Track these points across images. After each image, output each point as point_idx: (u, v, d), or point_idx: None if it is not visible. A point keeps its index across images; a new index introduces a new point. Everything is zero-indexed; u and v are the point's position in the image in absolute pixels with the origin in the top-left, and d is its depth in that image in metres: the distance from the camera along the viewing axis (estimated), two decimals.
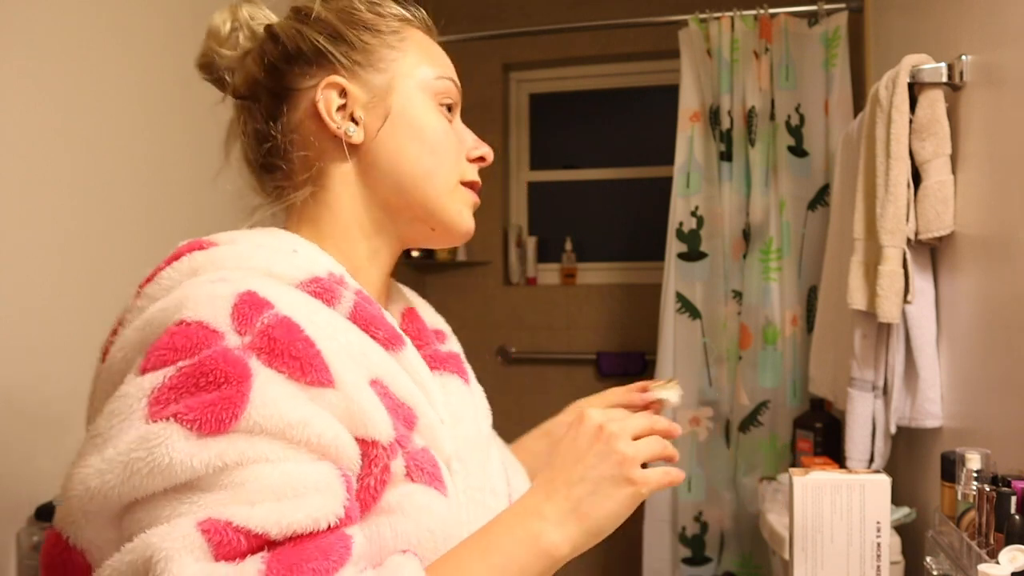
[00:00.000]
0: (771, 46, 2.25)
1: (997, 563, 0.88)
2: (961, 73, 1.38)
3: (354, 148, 0.79)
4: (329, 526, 0.59)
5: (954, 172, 1.41)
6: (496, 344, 3.26)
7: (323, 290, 0.70)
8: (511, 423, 1.09)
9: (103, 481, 0.58)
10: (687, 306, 2.37)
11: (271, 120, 0.80)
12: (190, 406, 0.58)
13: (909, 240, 1.44)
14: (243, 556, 0.56)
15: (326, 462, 0.62)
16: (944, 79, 1.40)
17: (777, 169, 2.26)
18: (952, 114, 1.42)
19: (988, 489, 1.01)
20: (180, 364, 0.60)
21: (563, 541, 0.67)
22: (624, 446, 0.70)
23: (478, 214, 0.86)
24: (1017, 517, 0.96)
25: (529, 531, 0.67)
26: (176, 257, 0.71)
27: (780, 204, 2.25)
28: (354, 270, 0.78)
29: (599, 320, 3.22)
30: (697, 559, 2.36)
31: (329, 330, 0.67)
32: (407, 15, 0.83)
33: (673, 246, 2.38)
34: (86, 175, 1.66)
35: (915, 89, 1.43)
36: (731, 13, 2.28)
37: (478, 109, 3.28)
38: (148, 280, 0.71)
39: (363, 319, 0.72)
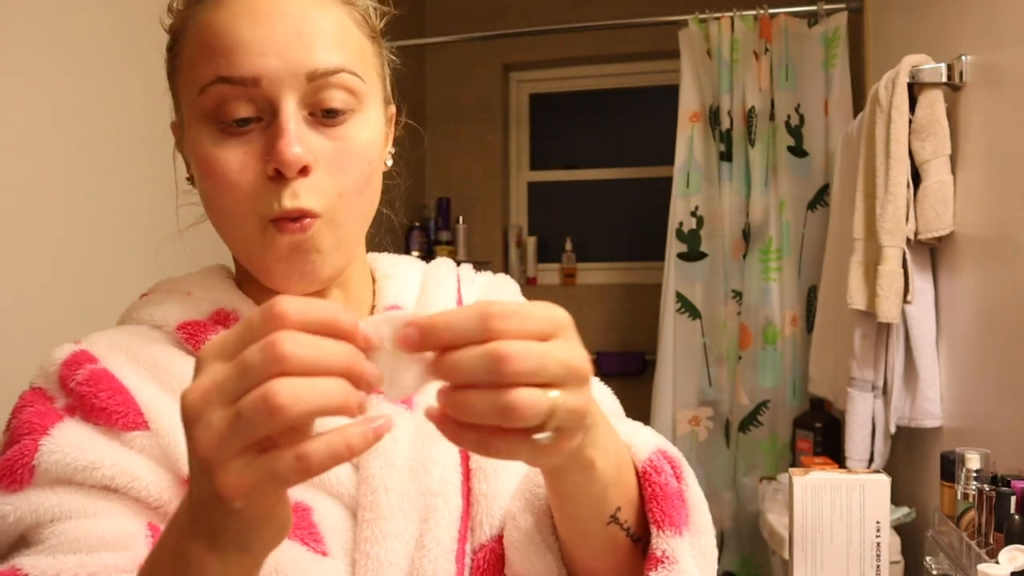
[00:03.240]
0: (771, 46, 2.25)
1: (997, 563, 0.88)
2: (961, 73, 1.38)
3: None
4: None
5: (954, 172, 1.41)
6: None
7: (189, 336, 0.69)
8: None
9: None
10: (687, 306, 2.37)
11: None
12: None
13: (909, 240, 1.44)
14: None
15: (132, 518, 0.60)
16: (944, 79, 1.40)
17: (777, 169, 2.26)
18: (952, 114, 1.42)
19: (988, 489, 1.01)
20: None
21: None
22: None
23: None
24: (1017, 517, 0.96)
25: None
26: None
27: (780, 204, 2.25)
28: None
29: (599, 320, 3.22)
30: None
31: (175, 380, 0.65)
32: None
33: (673, 246, 2.38)
34: (85, 175, 1.66)
35: (915, 89, 1.44)
36: (731, 13, 2.28)
37: (478, 109, 3.29)
38: None
39: None
